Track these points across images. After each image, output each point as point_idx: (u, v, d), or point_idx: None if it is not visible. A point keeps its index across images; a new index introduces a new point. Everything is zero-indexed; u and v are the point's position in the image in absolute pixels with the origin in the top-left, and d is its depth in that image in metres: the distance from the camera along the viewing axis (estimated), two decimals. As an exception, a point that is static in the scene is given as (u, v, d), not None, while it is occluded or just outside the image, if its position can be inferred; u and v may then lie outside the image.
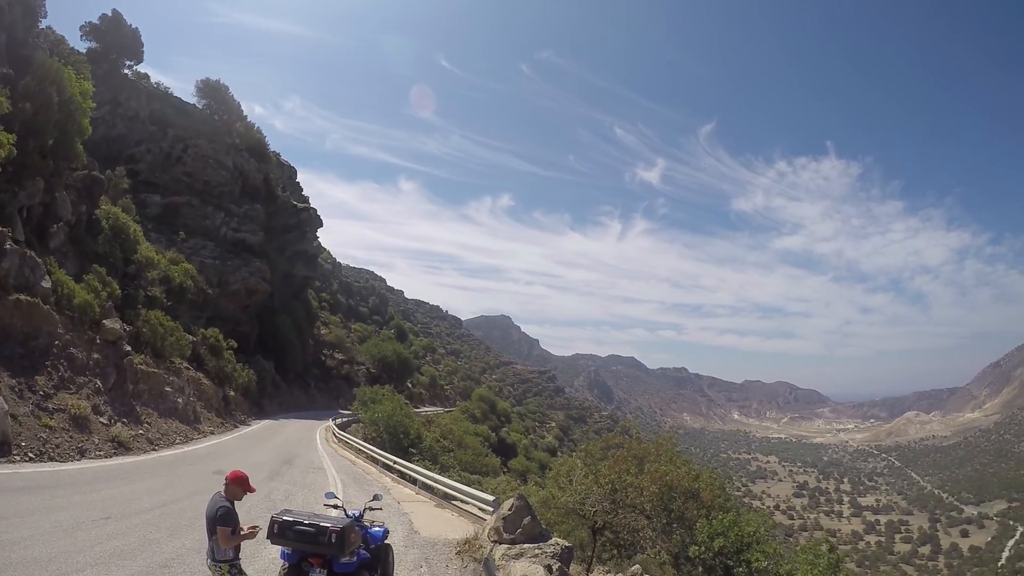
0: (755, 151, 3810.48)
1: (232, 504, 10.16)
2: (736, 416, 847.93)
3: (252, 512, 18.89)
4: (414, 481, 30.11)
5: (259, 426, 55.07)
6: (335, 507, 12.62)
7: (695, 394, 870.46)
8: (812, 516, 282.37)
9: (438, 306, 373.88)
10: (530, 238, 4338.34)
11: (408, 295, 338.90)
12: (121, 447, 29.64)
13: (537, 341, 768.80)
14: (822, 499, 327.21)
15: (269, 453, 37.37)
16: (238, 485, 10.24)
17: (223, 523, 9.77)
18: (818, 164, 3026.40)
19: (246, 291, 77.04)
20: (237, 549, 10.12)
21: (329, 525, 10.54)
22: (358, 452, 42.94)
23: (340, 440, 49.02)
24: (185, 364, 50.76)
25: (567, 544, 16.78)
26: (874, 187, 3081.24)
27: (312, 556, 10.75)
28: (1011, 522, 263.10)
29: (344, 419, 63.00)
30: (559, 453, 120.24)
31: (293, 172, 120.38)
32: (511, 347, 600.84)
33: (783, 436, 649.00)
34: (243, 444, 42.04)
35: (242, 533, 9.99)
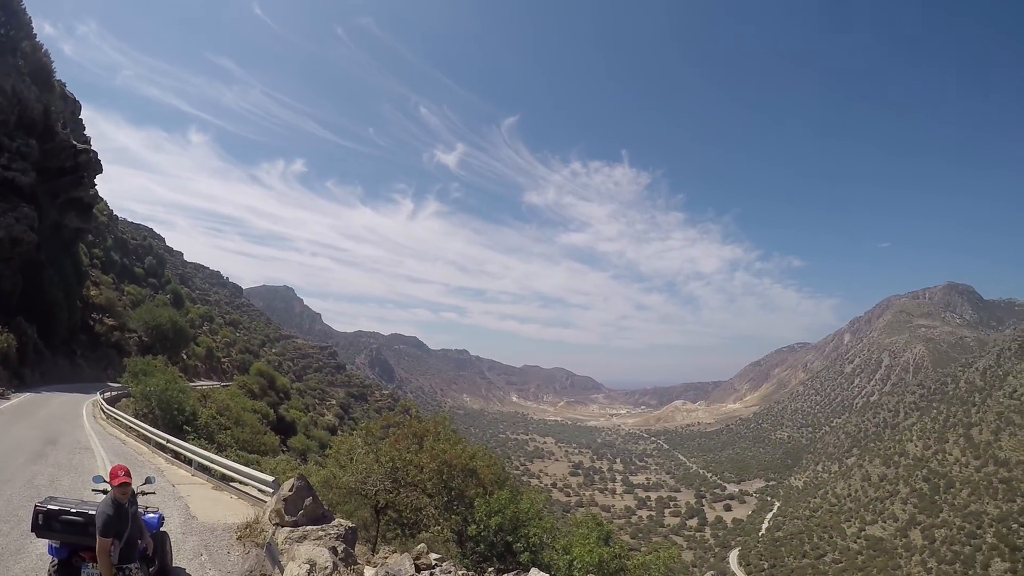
0: (553, 149, 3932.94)
1: (116, 507, 9.47)
2: (515, 399, 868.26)
3: (14, 500, 17.42)
4: (189, 462, 28.56)
5: (19, 400, 50.59)
6: (105, 492, 11.73)
7: (475, 376, 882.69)
8: (587, 493, 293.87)
9: (219, 272, 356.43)
10: (320, 208, 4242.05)
11: (188, 257, 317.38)
12: None
13: (319, 315, 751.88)
14: (596, 478, 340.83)
15: (31, 431, 34.52)
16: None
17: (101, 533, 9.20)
18: (611, 169, 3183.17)
19: (10, 241, 67.38)
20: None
21: None
22: (128, 430, 40.35)
23: (109, 416, 45.86)
24: (-63, 327, 45.91)
25: (351, 524, 16.50)
26: (660, 197, 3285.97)
27: (83, 550, 9.98)
28: (768, 498, 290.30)
29: (114, 393, 58.88)
30: (339, 431, 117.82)
31: (77, 107, 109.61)
32: (293, 320, 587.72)
33: (559, 419, 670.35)
34: (0, 421, 38.84)
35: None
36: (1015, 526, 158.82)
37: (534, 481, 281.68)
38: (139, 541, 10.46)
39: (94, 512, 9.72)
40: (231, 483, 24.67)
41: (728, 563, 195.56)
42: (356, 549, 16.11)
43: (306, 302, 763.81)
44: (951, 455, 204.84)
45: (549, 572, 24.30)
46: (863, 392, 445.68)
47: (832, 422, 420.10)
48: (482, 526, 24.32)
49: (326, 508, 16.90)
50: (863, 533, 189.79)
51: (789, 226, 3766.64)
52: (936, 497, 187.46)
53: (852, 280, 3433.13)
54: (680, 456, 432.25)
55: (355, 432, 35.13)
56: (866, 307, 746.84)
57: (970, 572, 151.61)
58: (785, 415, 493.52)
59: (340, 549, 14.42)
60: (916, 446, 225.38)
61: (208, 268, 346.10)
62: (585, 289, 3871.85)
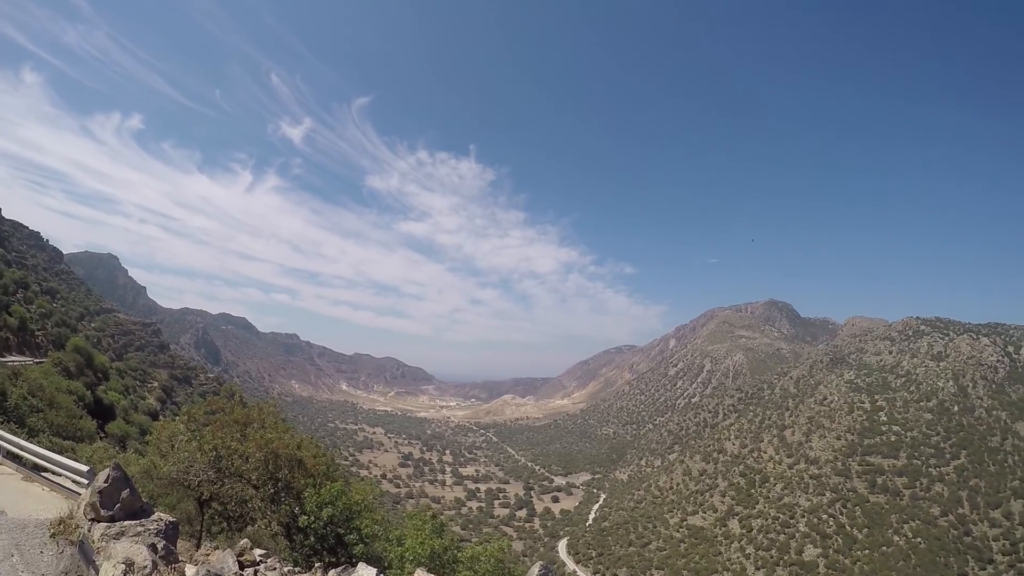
0: (402, 135, 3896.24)
1: None
2: (344, 387, 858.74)
3: None
4: (-3, 448, 26.71)
5: None
6: None
7: (305, 362, 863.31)
8: (418, 485, 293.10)
9: (38, 232, 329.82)
10: (153, 170, 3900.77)
11: (5, 214, 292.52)
12: None
13: (144, 289, 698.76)
14: (426, 469, 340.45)
15: None
16: None
17: None
18: (457, 162, 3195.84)
19: None
20: None
21: None
22: (-70, 412, 37.56)
23: (-92, 397, 42.62)
24: None
25: (172, 519, 15.64)
26: (503, 195, 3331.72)
27: None
28: (595, 490, 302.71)
29: (-85, 371, 54.45)
30: (161, 417, 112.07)
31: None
32: (116, 292, 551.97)
33: (389, 409, 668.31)
34: None
35: None
36: (825, 516, 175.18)
37: (364, 472, 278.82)
38: None
39: None
40: (43, 473, 23.09)
41: (557, 552, 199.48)
42: (178, 546, 15.29)
43: (131, 273, 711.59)
44: (766, 453, 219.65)
45: (381, 564, 24.00)
46: (685, 393, 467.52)
47: (655, 420, 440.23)
48: (313, 518, 23.76)
49: (145, 501, 15.96)
50: (685, 523, 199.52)
51: (625, 236, 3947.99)
52: (752, 490, 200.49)
53: (680, 290, 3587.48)
54: (509, 449, 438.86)
55: (177, 418, 33.49)
56: (692, 316, 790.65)
57: (784, 557, 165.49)
58: (611, 412, 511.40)
59: (160, 546, 13.60)
60: (734, 444, 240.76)
61: (27, 228, 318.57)
62: (420, 279, 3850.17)
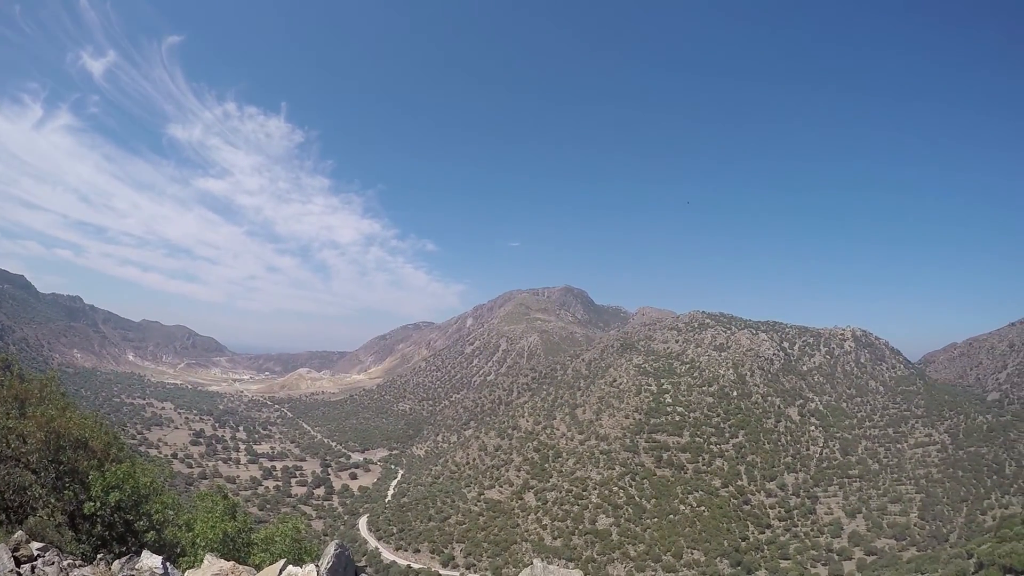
0: (212, 82, 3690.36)
1: None
2: (131, 358, 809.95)
3: None
4: None
5: None
6: None
7: (89, 329, 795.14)
8: (211, 464, 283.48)
9: None
10: None
11: None
12: None
13: None
14: (219, 447, 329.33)
15: None
16: None
17: None
18: (266, 119, 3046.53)
19: None
20: None
21: None
22: None
23: None
24: None
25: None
26: (310, 159, 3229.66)
27: None
28: (392, 466, 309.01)
29: None
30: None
31: None
32: None
33: (179, 382, 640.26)
34: None
35: None
36: (615, 488, 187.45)
37: (153, 451, 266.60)
38: None
39: None
40: None
41: (358, 529, 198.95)
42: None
43: None
44: (558, 430, 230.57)
45: (174, 551, 23.27)
46: (481, 372, 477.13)
47: (452, 397, 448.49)
48: (99, 503, 22.64)
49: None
50: (483, 497, 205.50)
51: (429, 213, 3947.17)
52: (546, 465, 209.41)
53: (480, 271, 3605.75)
54: (305, 425, 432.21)
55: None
56: (490, 296, 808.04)
57: (580, 527, 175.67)
58: (407, 388, 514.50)
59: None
60: (528, 421, 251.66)
61: None
62: (216, 242, 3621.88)
